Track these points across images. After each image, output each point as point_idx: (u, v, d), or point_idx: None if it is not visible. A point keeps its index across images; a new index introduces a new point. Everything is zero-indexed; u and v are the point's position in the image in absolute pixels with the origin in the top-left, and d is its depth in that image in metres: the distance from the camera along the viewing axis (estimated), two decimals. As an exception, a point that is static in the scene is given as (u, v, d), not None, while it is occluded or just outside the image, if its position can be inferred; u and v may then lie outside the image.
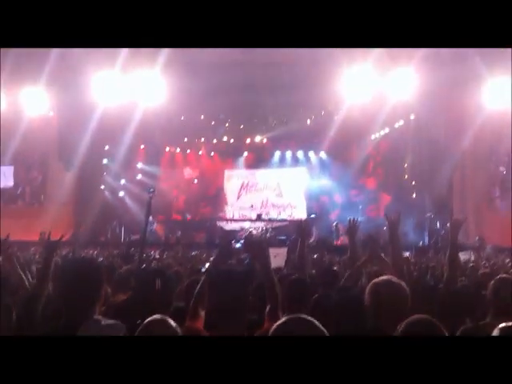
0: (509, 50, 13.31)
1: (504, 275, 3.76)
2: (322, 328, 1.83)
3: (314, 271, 5.29)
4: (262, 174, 25.61)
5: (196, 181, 25.95)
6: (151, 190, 6.73)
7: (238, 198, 25.45)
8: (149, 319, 2.35)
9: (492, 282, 3.42)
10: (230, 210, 25.13)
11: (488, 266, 9.33)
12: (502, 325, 2.39)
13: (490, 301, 3.30)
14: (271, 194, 25.19)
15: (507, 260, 12.18)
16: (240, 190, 25.66)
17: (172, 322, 2.34)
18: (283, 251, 7.60)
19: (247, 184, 25.64)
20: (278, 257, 7.39)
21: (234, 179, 25.89)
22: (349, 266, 4.71)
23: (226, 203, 25.49)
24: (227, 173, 25.94)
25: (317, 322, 1.82)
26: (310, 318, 1.85)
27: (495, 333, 2.40)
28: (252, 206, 24.21)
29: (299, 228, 5.18)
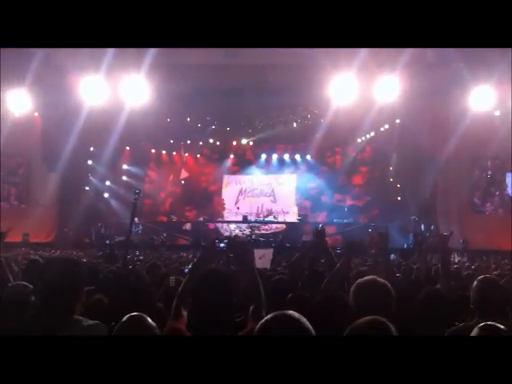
0: (491, 56, 13.55)
1: (487, 275, 3.75)
2: (308, 324, 1.81)
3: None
4: (258, 180, 25.64)
5: (182, 183, 25.85)
6: (137, 191, 6.69)
7: (236, 204, 25.42)
8: (127, 316, 2.32)
9: (475, 282, 3.42)
10: (228, 216, 25.10)
11: (471, 268, 9.40)
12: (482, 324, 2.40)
13: (475, 301, 3.30)
14: (266, 199, 25.27)
15: (491, 262, 12.31)
16: (238, 195, 25.66)
17: (150, 321, 2.32)
18: (269, 252, 7.63)
19: (245, 190, 25.65)
20: (263, 258, 7.42)
21: (233, 184, 25.88)
22: (326, 268, 4.73)
23: (224, 209, 25.46)
24: (226, 178, 25.89)
25: (304, 319, 1.80)
26: (297, 314, 1.82)
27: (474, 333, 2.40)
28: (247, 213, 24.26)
29: (317, 233, 5.06)
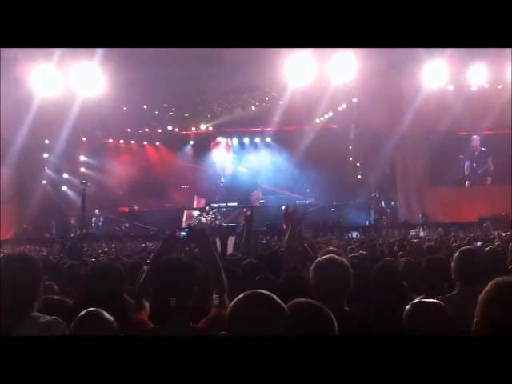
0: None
1: (467, 247, 3.87)
2: (281, 302, 1.81)
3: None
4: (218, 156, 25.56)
5: (142, 172, 25.48)
6: (83, 181, 6.59)
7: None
8: (84, 312, 2.31)
9: (456, 253, 3.51)
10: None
11: (432, 240, 9.64)
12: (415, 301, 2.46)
13: (456, 272, 3.40)
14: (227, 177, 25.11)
15: (450, 235, 12.67)
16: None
17: (107, 315, 2.31)
18: (231, 238, 7.63)
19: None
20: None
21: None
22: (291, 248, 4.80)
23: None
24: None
25: (275, 296, 1.81)
26: (269, 293, 1.82)
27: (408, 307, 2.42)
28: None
29: (245, 217, 5.35)
